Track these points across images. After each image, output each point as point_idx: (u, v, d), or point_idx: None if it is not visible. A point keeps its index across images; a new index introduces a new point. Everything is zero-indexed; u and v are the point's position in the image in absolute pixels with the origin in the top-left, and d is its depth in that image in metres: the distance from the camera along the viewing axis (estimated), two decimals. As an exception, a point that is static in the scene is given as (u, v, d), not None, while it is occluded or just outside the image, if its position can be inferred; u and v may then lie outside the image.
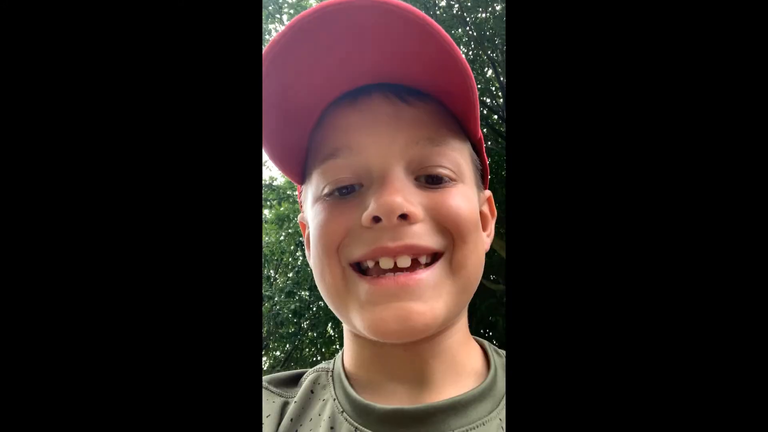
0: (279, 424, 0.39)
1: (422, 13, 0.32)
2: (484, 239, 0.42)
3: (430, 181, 0.36)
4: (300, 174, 0.41)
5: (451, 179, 0.37)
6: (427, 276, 0.35)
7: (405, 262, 0.34)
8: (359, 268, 0.36)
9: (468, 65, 0.35)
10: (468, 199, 0.37)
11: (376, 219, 0.34)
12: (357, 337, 0.40)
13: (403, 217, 0.34)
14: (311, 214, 0.39)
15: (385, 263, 0.35)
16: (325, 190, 0.37)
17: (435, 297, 0.35)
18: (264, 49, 0.33)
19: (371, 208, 0.34)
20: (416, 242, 0.34)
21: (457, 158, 0.38)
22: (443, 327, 0.37)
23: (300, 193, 0.44)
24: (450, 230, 0.36)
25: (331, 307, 0.39)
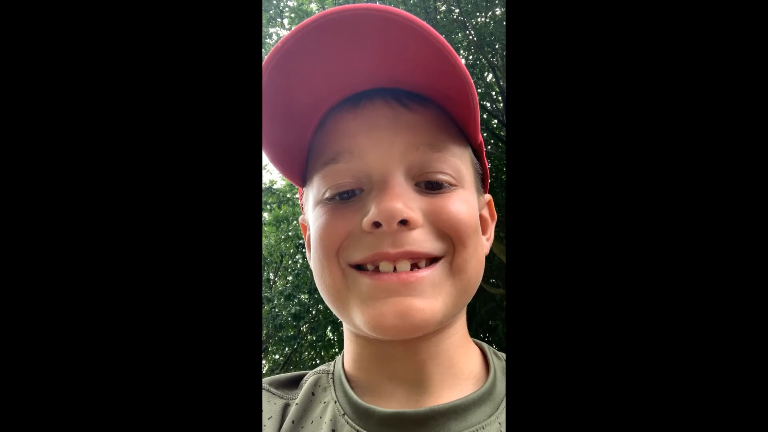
0: (281, 425, 0.39)
1: (421, 21, 0.33)
2: (483, 243, 0.42)
3: (430, 186, 0.37)
4: (301, 177, 0.42)
5: (451, 185, 0.37)
6: (427, 274, 0.35)
7: (404, 266, 0.35)
8: (359, 267, 0.37)
9: (467, 71, 0.35)
10: (468, 204, 0.38)
11: (377, 224, 0.34)
12: (357, 338, 0.41)
13: (403, 222, 0.34)
14: (312, 217, 0.39)
15: (385, 267, 0.35)
16: (326, 194, 0.38)
17: (434, 295, 0.35)
18: (267, 55, 0.34)
19: (372, 213, 0.34)
20: (416, 248, 0.35)
21: (458, 163, 0.38)
22: (441, 326, 0.37)
23: (301, 195, 0.44)
24: (450, 235, 0.36)
25: (331, 306, 0.39)
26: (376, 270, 0.35)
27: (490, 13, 5.13)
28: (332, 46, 0.34)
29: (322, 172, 0.38)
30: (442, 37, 0.34)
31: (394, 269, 0.35)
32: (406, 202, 0.34)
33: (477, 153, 0.42)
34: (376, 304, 0.35)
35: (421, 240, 0.35)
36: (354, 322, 0.37)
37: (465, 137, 0.40)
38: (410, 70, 0.35)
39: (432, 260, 0.36)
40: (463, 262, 0.36)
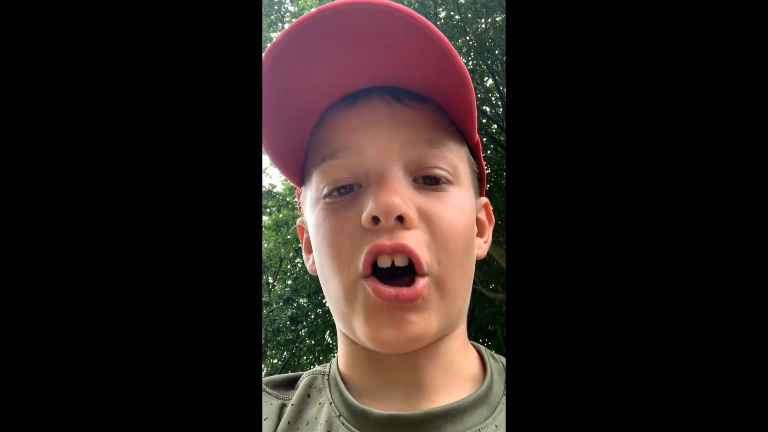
0: (277, 426, 0.39)
1: (421, 17, 0.33)
2: (480, 245, 0.43)
3: (428, 181, 0.37)
4: (299, 175, 0.42)
5: (448, 181, 0.37)
6: (420, 289, 0.35)
7: (402, 260, 0.34)
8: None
9: (466, 69, 0.35)
10: (462, 210, 0.38)
11: (375, 219, 0.34)
12: (352, 341, 0.40)
13: (400, 219, 0.34)
14: (312, 218, 0.39)
15: (383, 261, 0.35)
16: (324, 191, 0.37)
17: (427, 310, 0.35)
18: (265, 51, 0.34)
19: (370, 207, 0.34)
20: (410, 245, 0.34)
21: (454, 160, 0.38)
22: (438, 336, 0.37)
23: (299, 195, 0.44)
24: (441, 246, 0.36)
25: (335, 311, 0.39)
26: (374, 271, 0.35)
27: (490, 20, 5.16)
28: (328, 41, 0.33)
29: (321, 168, 0.38)
30: (441, 33, 0.33)
31: (392, 264, 0.34)
32: (404, 198, 0.34)
33: (474, 153, 0.42)
34: (376, 318, 0.34)
35: (416, 242, 0.35)
36: (356, 334, 0.37)
37: (462, 136, 0.40)
38: (408, 66, 0.35)
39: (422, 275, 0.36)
40: (448, 276, 0.36)
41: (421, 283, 0.34)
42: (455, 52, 0.34)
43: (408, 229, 0.35)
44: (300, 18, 0.33)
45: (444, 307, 0.36)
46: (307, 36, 0.33)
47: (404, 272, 0.35)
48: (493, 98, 5.77)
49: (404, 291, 0.34)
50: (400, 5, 0.32)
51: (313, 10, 0.33)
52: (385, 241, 0.34)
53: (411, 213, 0.34)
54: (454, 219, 0.37)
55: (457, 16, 5.15)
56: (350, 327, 0.37)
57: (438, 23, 5.10)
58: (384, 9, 0.32)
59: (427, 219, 0.36)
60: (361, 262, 0.35)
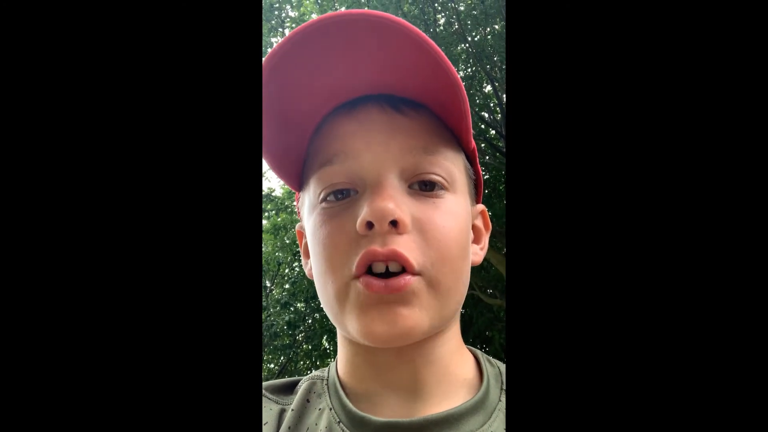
0: (277, 431, 0.39)
1: (416, 29, 0.34)
2: (476, 252, 0.43)
3: (423, 187, 0.37)
4: (297, 181, 0.42)
5: (444, 187, 0.38)
6: (411, 282, 0.35)
7: (395, 267, 0.35)
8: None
9: (459, 78, 0.36)
10: (456, 216, 0.38)
11: (370, 225, 0.34)
12: (351, 344, 0.41)
13: (394, 224, 0.34)
14: (310, 224, 0.40)
15: (377, 267, 0.35)
16: (321, 195, 0.38)
17: (418, 304, 0.35)
18: (265, 57, 0.34)
19: (364, 212, 0.34)
20: (403, 251, 0.35)
21: (450, 167, 0.39)
22: (430, 334, 0.38)
23: (298, 199, 0.45)
24: (433, 250, 0.36)
25: (329, 313, 0.39)
26: (369, 272, 0.35)
27: (488, 29, 5.19)
28: (328, 51, 0.34)
29: (318, 174, 0.38)
30: (434, 44, 0.34)
31: (386, 269, 0.35)
32: (398, 204, 0.35)
33: (470, 159, 0.43)
34: (368, 313, 0.35)
35: (408, 248, 0.35)
36: (348, 329, 0.37)
37: (458, 143, 0.41)
38: (404, 75, 0.36)
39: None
40: (442, 276, 0.36)
41: (408, 277, 0.35)
42: (449, 62, 0.35)
43: (401, 234, 0.35)
44: (300, 27, 0.34)
45: (437, 306, 0.36)
46: (307, 45, 0.34)
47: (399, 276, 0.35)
48: (491, 104, 5.80)
49: (392, 280, 0.34)
50: (396, 18, 0.33)
51: (313, 18, 0.33)
52: (378, 248, 0.34)
53: (404, 217, 0.35)
54: (447, 224, 0.37)
55: (456, 24, 5.18)
56: (343, 325, 0.37)
57: (437, 30, 5.13)
58: (381, 21, 0.33)
59: (420, 224, 0.36)
60: (354, 266, 0.35)
